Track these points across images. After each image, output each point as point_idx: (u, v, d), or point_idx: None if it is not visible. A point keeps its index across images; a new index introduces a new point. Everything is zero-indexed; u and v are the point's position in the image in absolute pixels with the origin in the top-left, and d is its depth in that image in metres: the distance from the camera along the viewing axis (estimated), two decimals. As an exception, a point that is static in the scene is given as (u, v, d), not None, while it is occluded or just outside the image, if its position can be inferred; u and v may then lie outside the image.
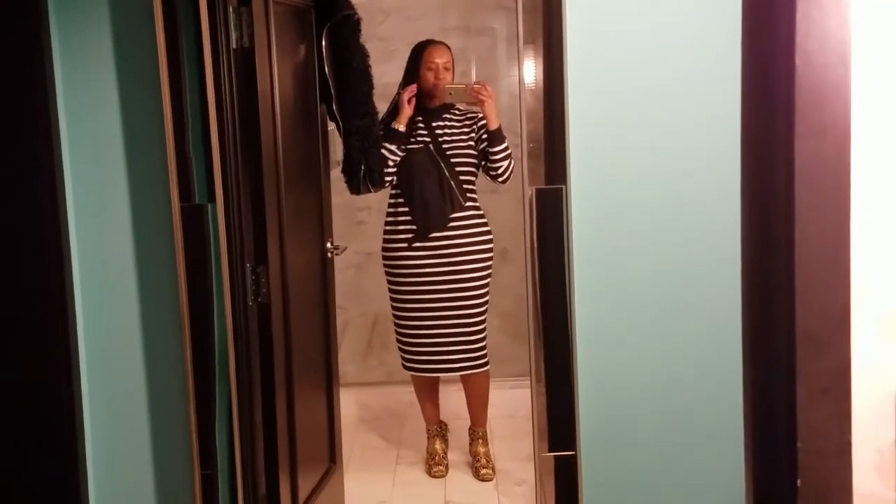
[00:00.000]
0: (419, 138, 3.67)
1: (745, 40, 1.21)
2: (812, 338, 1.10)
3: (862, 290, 1.12)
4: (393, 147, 3.60)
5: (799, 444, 1.10)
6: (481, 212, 3.74)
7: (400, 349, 3.81)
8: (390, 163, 3.62)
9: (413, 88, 3.62)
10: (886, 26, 1.11)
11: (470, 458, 3.89)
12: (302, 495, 2.98)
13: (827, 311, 1.10)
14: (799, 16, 1.08)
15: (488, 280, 3.77)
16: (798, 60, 1.09)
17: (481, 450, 3.86)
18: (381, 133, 3.60)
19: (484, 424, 3.91)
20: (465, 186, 3.68)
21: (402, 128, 3.61)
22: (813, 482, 1.10)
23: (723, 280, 2.28)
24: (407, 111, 3.61)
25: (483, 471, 3.78)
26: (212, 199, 2.39)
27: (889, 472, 1.15)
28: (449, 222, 3.66)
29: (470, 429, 3.93)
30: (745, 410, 1.22)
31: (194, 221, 2.38)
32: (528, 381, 2.80)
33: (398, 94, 3.75)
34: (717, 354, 2.33)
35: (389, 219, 3.76)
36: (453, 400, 4.19)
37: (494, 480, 3.73)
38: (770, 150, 1.16)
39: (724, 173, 2.29)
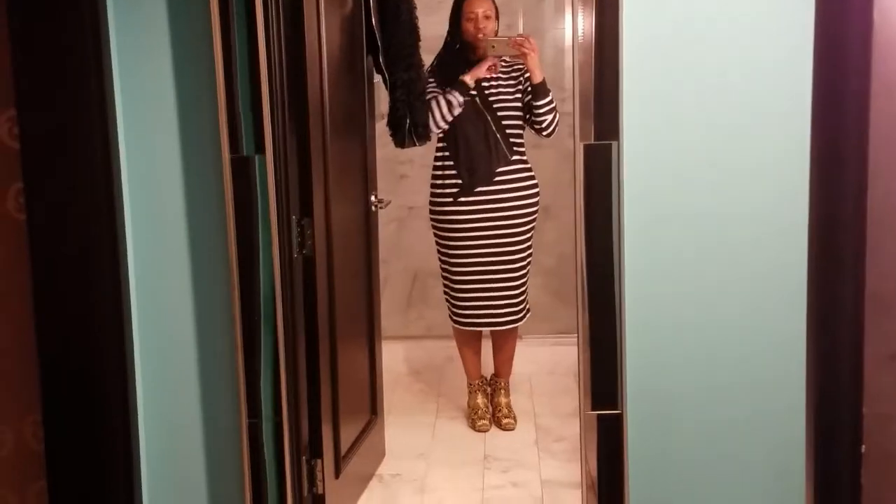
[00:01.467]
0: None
1: (819, -8, 1.17)
2: (882, 300, 1.07)
3: (936, 252, 1.09)
4: (458, 97, 3.56)
5: (864, 409, 1.08)
6: (528, 165, 3.71)
7: (448, 303, 3.82)
8: (453, 111, 3.58)
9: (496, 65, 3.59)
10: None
11: (491, 408, 3.93)
12: (344, 445, 3.01)
13: (898, 273, 1.07)
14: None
15: (532, 233, 3.76)
16: (876, 15, 1.05)
17: (503, 400, 3.94)
18: (431, 82, 3.59)
19: (508, 375, 3.97)
20: (511, 140, 3.65)
21: (470, 81, 3.58)
22: (878, 448, 1.07)
23: (785, 239, 2.24)
24: (482, 70, 3.57)
25: (504, 420, 3.85)
26: (260, 151, 2.39)
27: (955, 439, 1.12)
28: (495, 176, 3.63)
29: (492, 379, 3.98)
30: (809, 373, 1.20)
31: (243, 173, 2.37)
32: (569, 338, 2.80)
33: (443, 48, 3.71)
34: (775, 316, 2.29)
35: (436, 172, 3.75)
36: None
37: (534, 436, 3.74)
38: (842, 107, 1.12)
39: (792, 132, 2.24)
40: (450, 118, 3.57)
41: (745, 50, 2.25)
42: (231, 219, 2.34)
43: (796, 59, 2.12)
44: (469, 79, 3.56)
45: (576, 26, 2.45)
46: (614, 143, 2.37)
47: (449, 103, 3.55)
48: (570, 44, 3.36)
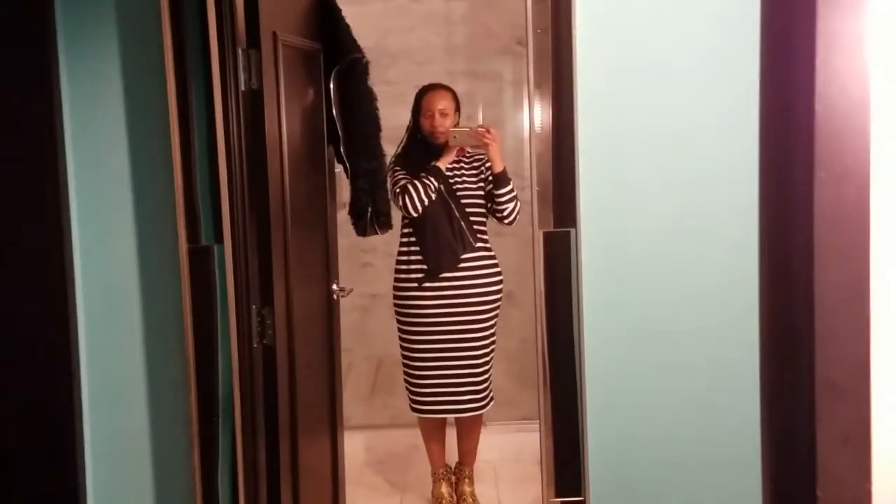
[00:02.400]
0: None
1: (763, 85, 1.20)
2: (832, 386, 1.08)
3: (881, 336, 1.11)
4: (433, 181, 3.60)
5: (819, 493, 1.08)
6: (492, 253, 3.74)
7: (409, 390, 3.79)
8: (431, 195, 3.60)
9: (463, 149, 3.65)
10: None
11: (455, 498, 3.87)
12: (305, 543, 2.93)
13: (847, 358, 1.08)
14: (819, 61, 1.07)
15: (496, 320, 3.76)
16: (818, 106, 1.08)
17: (467, 489, 3.89)
18: (398, 170, 3.63)
19: (472, 463, 3.92)
20: (475, 227, 3.68)
21: (442, 166, 3.63)
22: (834, 533, 1.07)
23: (738, 324, 2.26)
24: (451, 156, 3.63)
25: None
26: (219, 240, 2.39)
27: (911, 523, 1.13)
28: (460, 262, 3.65)
29: (457, 467, 3.93)
30: (764, 459, 1.20)
31: (201, 263, 2.37)
32: (533, 425, 2.79)
33: (406, 138, 3.77)
34: (731, 402, 2.30)
35: (401, 257, 3.76)
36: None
37: (499, 527, 3.69)
38: (789, 196, 1.15)
39: (738, 218, 2.28)
40: (426, 202, 3.60)
41: (703, 137, 2.31)
42: (188, 310, 2.32)
43: (748, 153, 2.18)
44: (442, 164, 3.61)
45: (532, 118, 2.50)
46: (572, 231, 2.40)
47: (426, 186, 3.58)
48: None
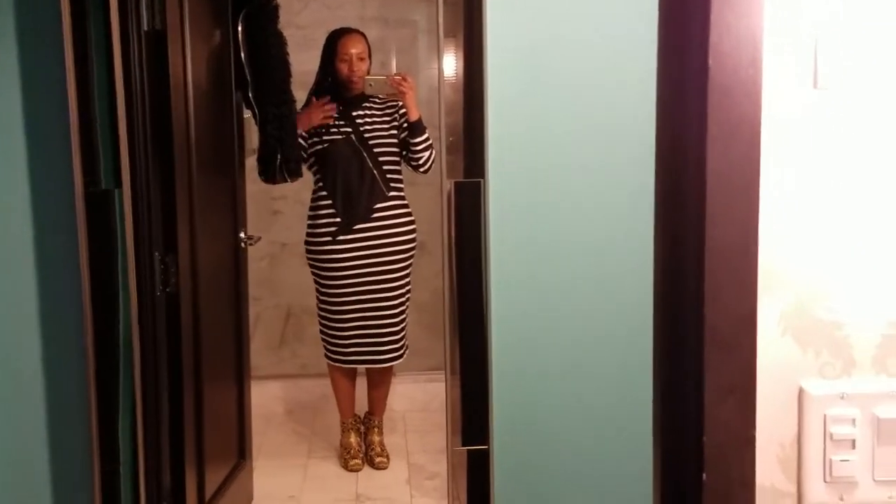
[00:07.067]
0: (340, 129, 3.62)
1: (660, 41, 1.21)
2: (720, 336, 1.11)
3: (766, 289, 1.14)
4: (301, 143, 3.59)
5: (705, 439, 1.11)
6: (405, 201, 3.72)
7: (326, 341, 3.76)
8: (303, 154, 3.59)
9: (332, 109, 3.59)
10: (799, 28, 1.13)
11: (364, 447, 3.89)
12: (209, 490, 2.92)
13: (734, 310, 1.11)
14: (713, 18, 1.09)
15: (410, 270, 3.76)
16: (711, 62, 1.09)
17: (376, 438, 3.91)
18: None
19: (382, 413, 3.94)
20: (388, 176, 3.65)
21: (303, 132, 3.59)
22: (718, 476, 1.11)
23: (639, 276, 2.30)
24: (314, 118, 3.58)
25: (378, 459, 3.82)
26: (119, 184, 2.32)
27: (790, 466, 1.17)
28: (373, 213, 3.62)
29: (366, 417, 3.94)
30: (655, 406, 1.23)
31: (100, 207, 2.30)
32: (442, 375, 2.81)
33: (315, 84, 3.70)
34: (630, 350, 2.34)
35: (312, 212, 3.71)
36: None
37: (407, 474, 3.72)
38: (683, 151, 1.16)
39: (643, 169, 2.31)
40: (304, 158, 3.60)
41: (610, 90, 2.32)
42: (85, 256, 2.25)
43: (649, 104, 2.21)
44: (303, 131, 3.58)
45: (441, 66, 2.48)
46: (482, 181, 2.40)
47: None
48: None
